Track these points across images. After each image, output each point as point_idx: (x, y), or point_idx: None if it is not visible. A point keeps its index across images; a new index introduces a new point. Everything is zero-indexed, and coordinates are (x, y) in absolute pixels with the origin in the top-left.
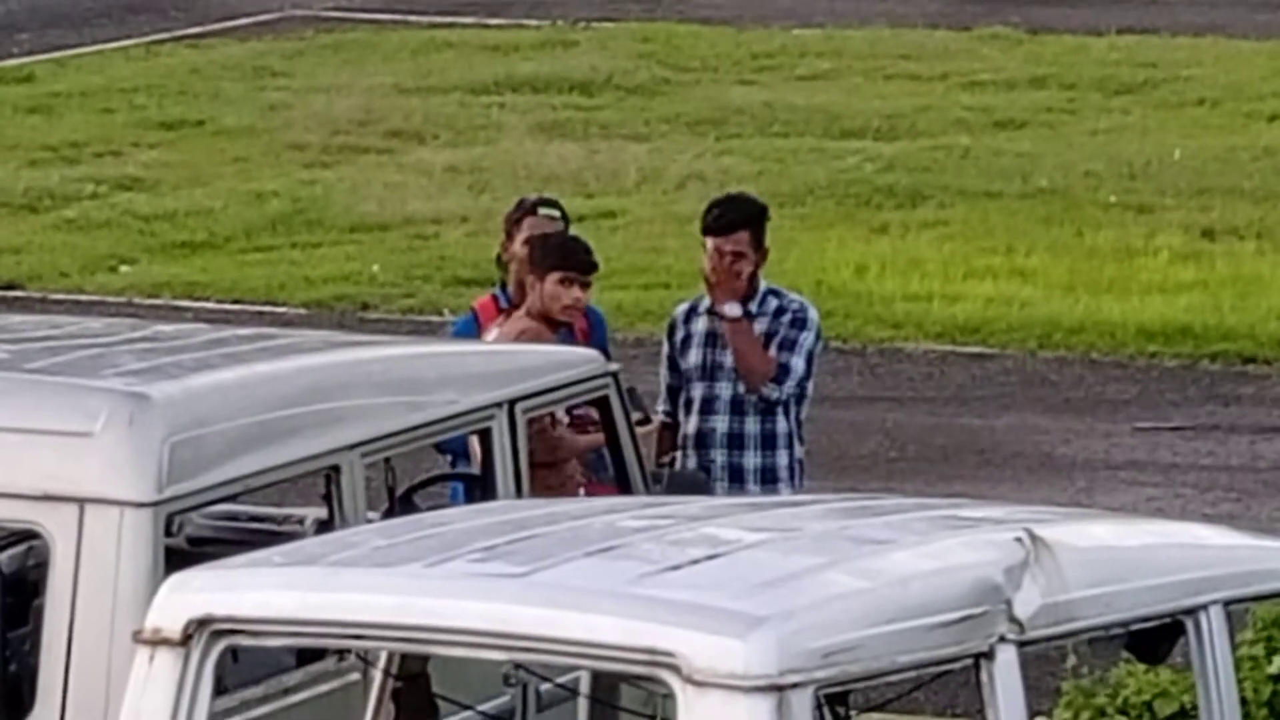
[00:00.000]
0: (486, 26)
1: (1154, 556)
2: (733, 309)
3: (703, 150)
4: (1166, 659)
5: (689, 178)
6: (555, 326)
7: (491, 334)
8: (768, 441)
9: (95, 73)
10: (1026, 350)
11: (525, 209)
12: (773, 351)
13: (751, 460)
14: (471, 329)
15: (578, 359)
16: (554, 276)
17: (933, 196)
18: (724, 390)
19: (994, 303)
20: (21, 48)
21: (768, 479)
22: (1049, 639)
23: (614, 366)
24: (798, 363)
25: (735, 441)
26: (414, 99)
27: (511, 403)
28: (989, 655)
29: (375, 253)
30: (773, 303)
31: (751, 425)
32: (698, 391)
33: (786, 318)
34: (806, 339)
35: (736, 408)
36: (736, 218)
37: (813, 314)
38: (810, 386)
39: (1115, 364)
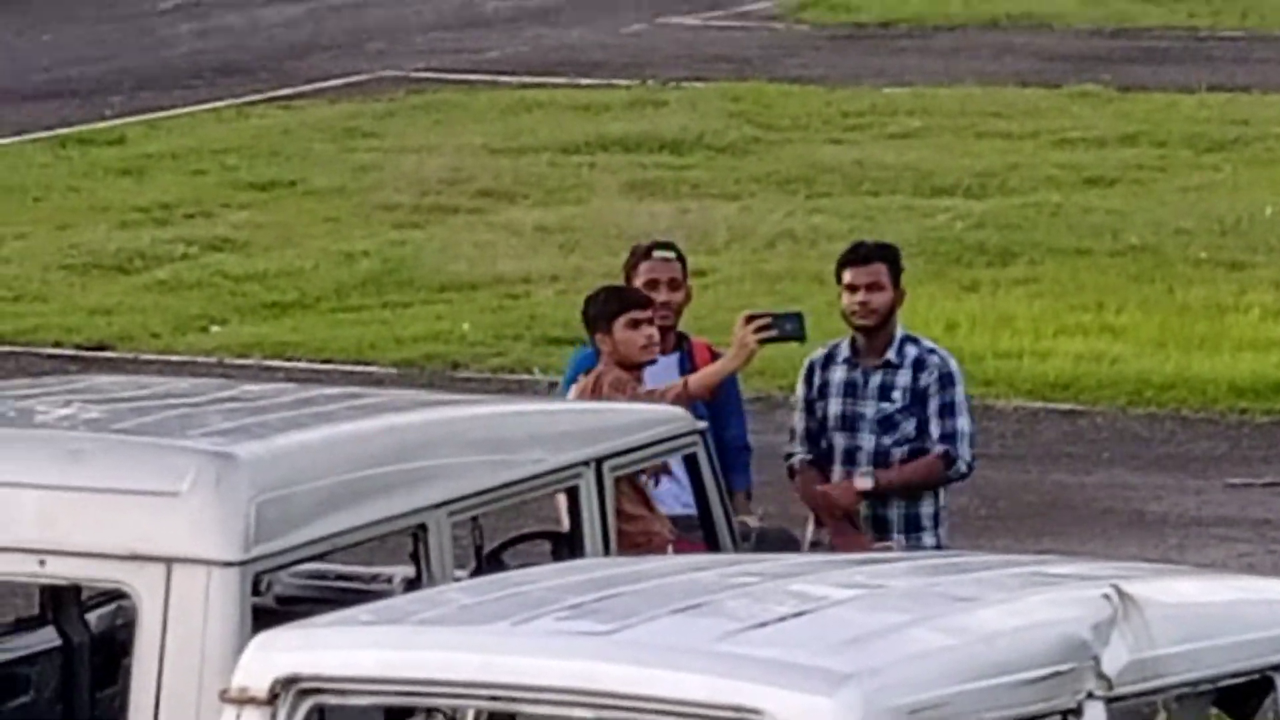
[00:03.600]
0: (577, 86)
1: (1242, 612)
2: (863, 481)
3: (793, 209)
4: (1256, 715)
5: (779, 236)
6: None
7: (572, 393)
8: (912, 490)
9: (186, 134)
10: (1117, 407)
11: (640, 254)
12: (932, 418)
13: (896, 511)
14: (591, 360)
15: (666, 416)
16: (620, 324)
17: (1023, 254)
18: (866, 442)
19: (1084, 359)
20: (114, 109)
21: (911, 527)
22: (1137, 695)
23: (702, 424)
24: (963, 424)
25: (878, 494)
26: (504, 159)
27: (599, 461)
28: (1077, 712)
29: (465, 312)
30: (911, 351)
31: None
32: (840, 442)
33: (933, 376)
34: (958, 394)
35: (880, 460)
36: (873, 250)
37: (954, 365)
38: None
39: (1206, 420)
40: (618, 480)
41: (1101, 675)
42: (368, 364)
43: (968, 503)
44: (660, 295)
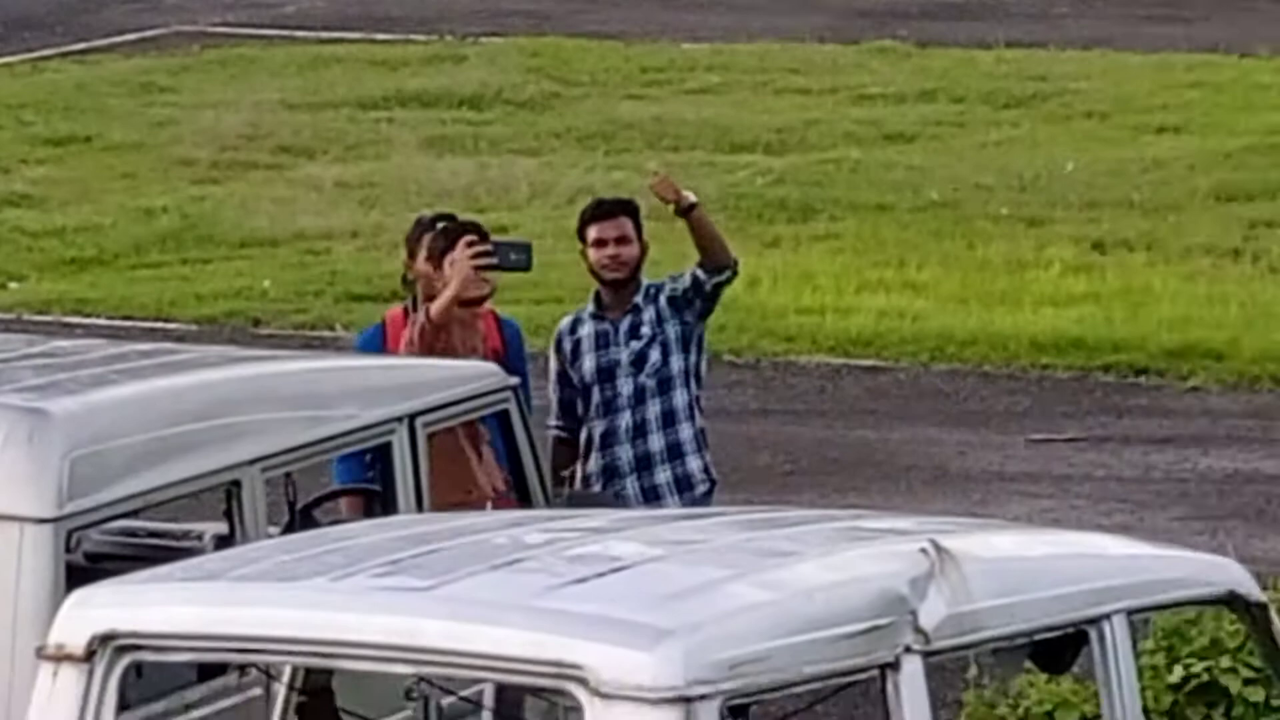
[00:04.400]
0: (374, 42)
1: (1057, 566)
2: (688, 194)
3: (593, 164)
4: (1070, 669)
5: (580, 192)
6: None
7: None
8: (669, 419)
9: None
10: (919, 363)
11: (424, 226)
12: (678, 277)
13: (657, 443)
14: (377, 341)
15: (479, 373)
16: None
17: (824, 210)
18: (624, 386)
19: (886, 316)
20: None
21: (674, 455)
22: (954, 649)
23: (514, 380)
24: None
25: (640, 430)
26: (302, 114)
27: (412, 417)
28: (895, 666)
29: (266, 268)
30: (653, 291)
31: (653, 409)
32: (597, 395)
33: (664, 287)
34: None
35: (638, 398)
36: (616, 205)
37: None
38: (705, 366)
39: (1008, 376)
40: (434, 435)
41: (919, 630)
42: (168, 321)
43: (771, 460)
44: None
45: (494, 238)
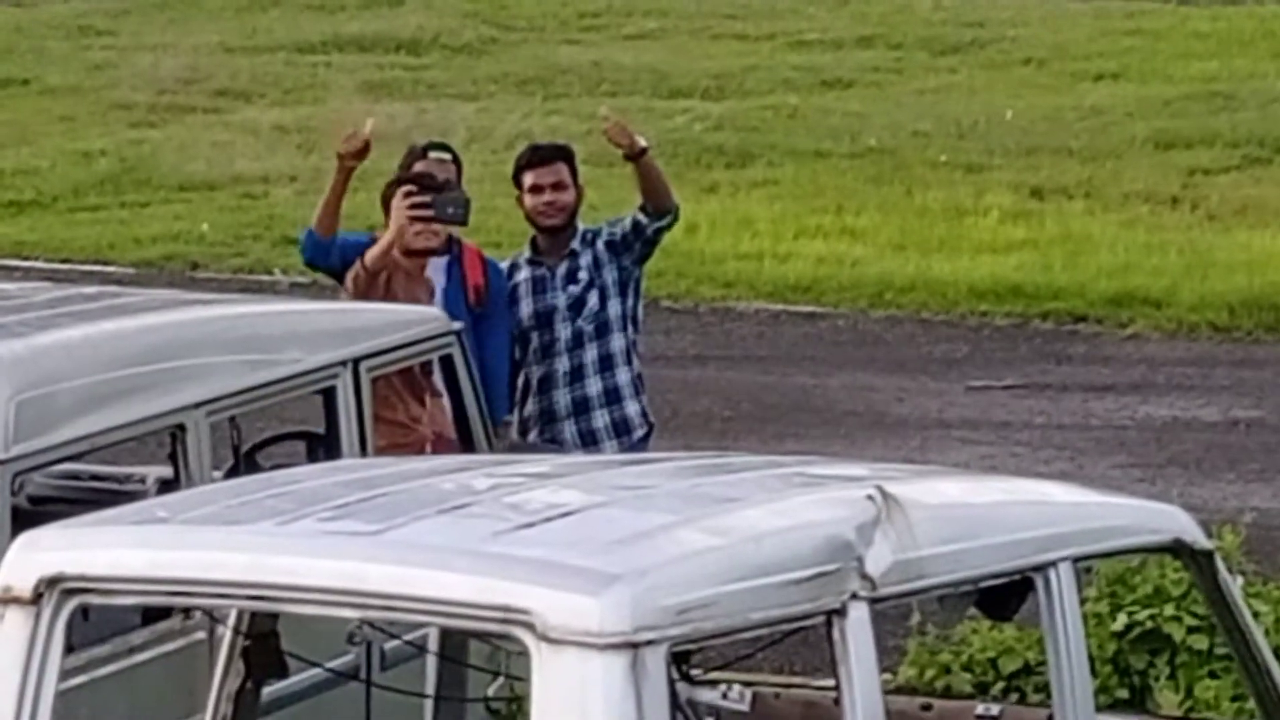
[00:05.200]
0: None
1: (1004, 513)
2: (640, 139)
3: (531, 110)
4: (1014, 616)
5: (517, 137)
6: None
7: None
8: (606, 364)
9: None
10: (858, 309)
11: (416, 154)
12: (618, 224)
13: (594, 387)
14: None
15: (422, 317)
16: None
17: (762, 156)
18: (562, 331)
19: (825, 262)
20: None
21: (611, 399)
22: (901, 596)
23: (458, 325)
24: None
25: (577, 375)
26: (240, 58)
27: (356, 361)
28: (841, 612)
29: (204, 212)
30: (590, 236)
31: (590, 354)
32: (535, 340)
33: (602, 231)
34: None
35: (576, 343)
36: (552, 151)
37: None
38: (641, 311)
39: (947, 323)
40: (378, 380)
41: (865, 576)
42: (106, 264)
43: (710, 405)
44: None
45: (434, 192)
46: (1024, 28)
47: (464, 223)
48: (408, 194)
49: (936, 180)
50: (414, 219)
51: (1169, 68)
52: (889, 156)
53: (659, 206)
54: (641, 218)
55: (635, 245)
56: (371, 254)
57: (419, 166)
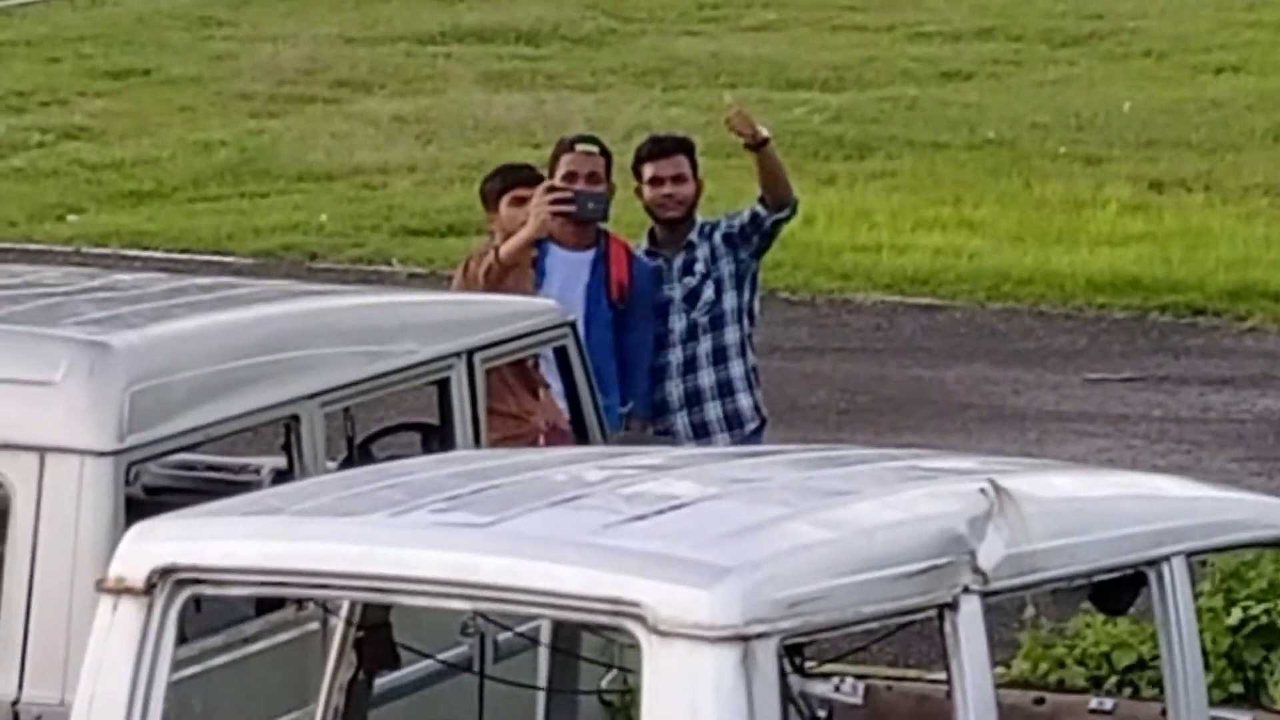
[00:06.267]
0: None
1: (1117, 507)
2: (762, 129)
3: (649, 101)
4: (1128, 610)
5: (636, 128)
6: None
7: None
8: (719, 356)
9: (40, 22)
10: (975, 301)
11: (564, 146)
12: (736, 216)
13: (707, 379)
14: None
15: (537, 309)
16: (505, 201)
17: (880, 148)
18: (676, 322)
19: (942, 254)
20: None
21: (724, 391)
22: (1013, 590)
23: (572, 316)
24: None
25: (690, 366)
26: (360, 49)
27: (470, 353)
28: (953, 606)
29: (323, 202)
30: (708, 229)
31: (704, 345)
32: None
33: (720, 224)
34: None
35: (690, 334)
36: (673, 143)
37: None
38: (758, 304)
39: (1064, 315)
40: (492, 371)
41: (977, 570)
42: (225, 254)
43: (827, 397)
44: (579, 187)
45: (574, 187)
46: (1144, 20)
47: (604, 218)
48: (549, 188)
49: (1055, 172)
50: (558, 214)
51: None
52: (1007, 148)
53: (778, 199)
54: (760, 210)
55: (753, 238)
56: (508, 247)
57: (566, 159)
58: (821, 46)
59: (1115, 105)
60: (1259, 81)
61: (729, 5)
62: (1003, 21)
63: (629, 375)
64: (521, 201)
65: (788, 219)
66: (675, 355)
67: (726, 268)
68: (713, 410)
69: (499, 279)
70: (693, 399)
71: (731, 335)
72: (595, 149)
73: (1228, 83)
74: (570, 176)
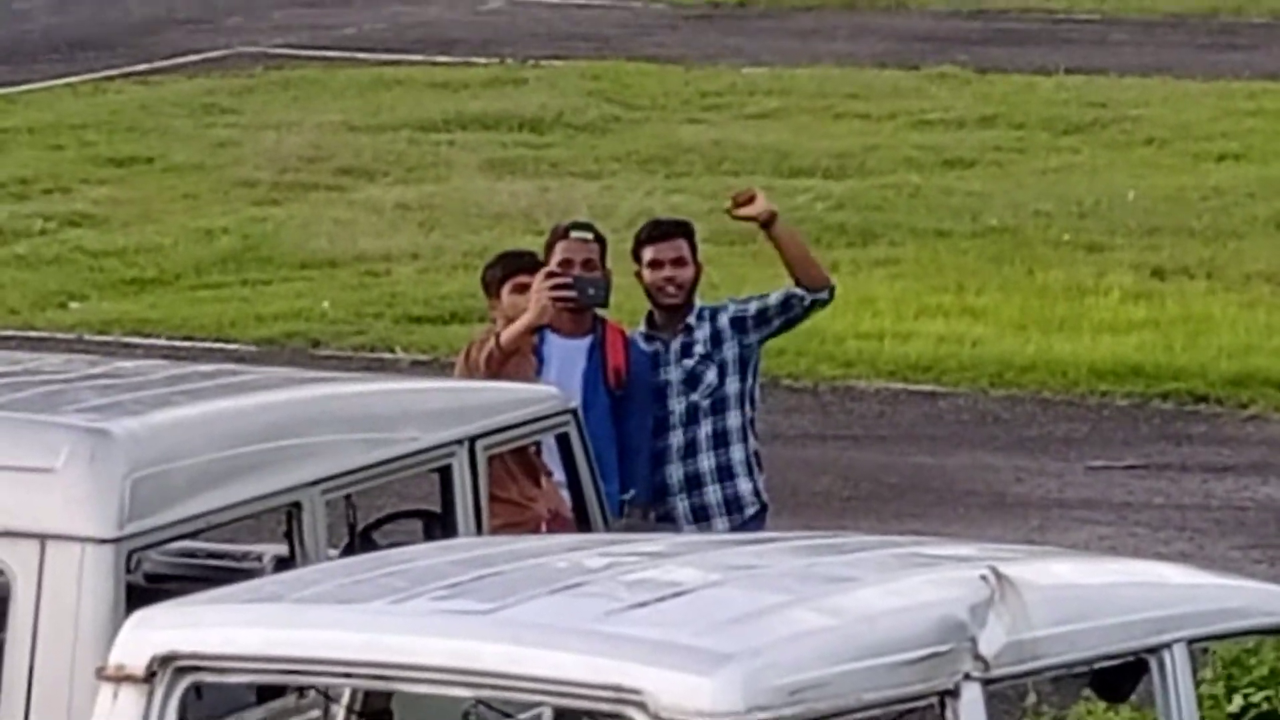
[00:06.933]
0: (435, 64)
1: (1118, 595)
2: (763, 205)
3: (653, 188)
4: (1129, 697)
5: (640, 215)
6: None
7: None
8: (720, 439)
9: (44, 109)
10: (978, 389)
11: (558, 233)
12: (764, 301)
13: (706, 463)
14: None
15: (539, 396)
16: (506, 288)
17: (883, 235)
18: (676, 405)
19: (946, 341)
20: None
21: (724, 475)
22: (1014, 677)
23: (574, 403)
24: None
25: (690, 450)
26: (364, 136)
27: (472, 440)
28: (954, 693)
29: (326, 290)
30: (705, 313)
31: (704, 429)
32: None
33: (728, 310)
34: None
35: (690, 417)
36: (673, 226)
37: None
38: (758, 389)
39: (1067, 403)
40: (494, 458)
41: (979, 657)
42: (228, 341)
43: (830, 484)
44: (576, 273)
45: (574, 273)
46: (1146, 108)
47: (604, 304)
48: (549, 274)
49: (1058, 260)
50: (556, 300)
51: None
52: (1010, 236)
53: (810, 281)
54: (797, 291)
55: (774, 321)
56: (509, 333)
57: (561, 246)
58: (824, 134)
59: (1118, 193)
60: (1261, 169)
61: (732, 93)
62: (1005, 109)
63: (629, 462)
64: (523, 288)
65: (824, 303)
66: (676, 439)
67: (730, 351)
68: (712, 494)
69: (500, 366)
70: (692, 483)
71: (733, 419)
72: (590, 235)
73: (1229, 170)
74: (566, 263)
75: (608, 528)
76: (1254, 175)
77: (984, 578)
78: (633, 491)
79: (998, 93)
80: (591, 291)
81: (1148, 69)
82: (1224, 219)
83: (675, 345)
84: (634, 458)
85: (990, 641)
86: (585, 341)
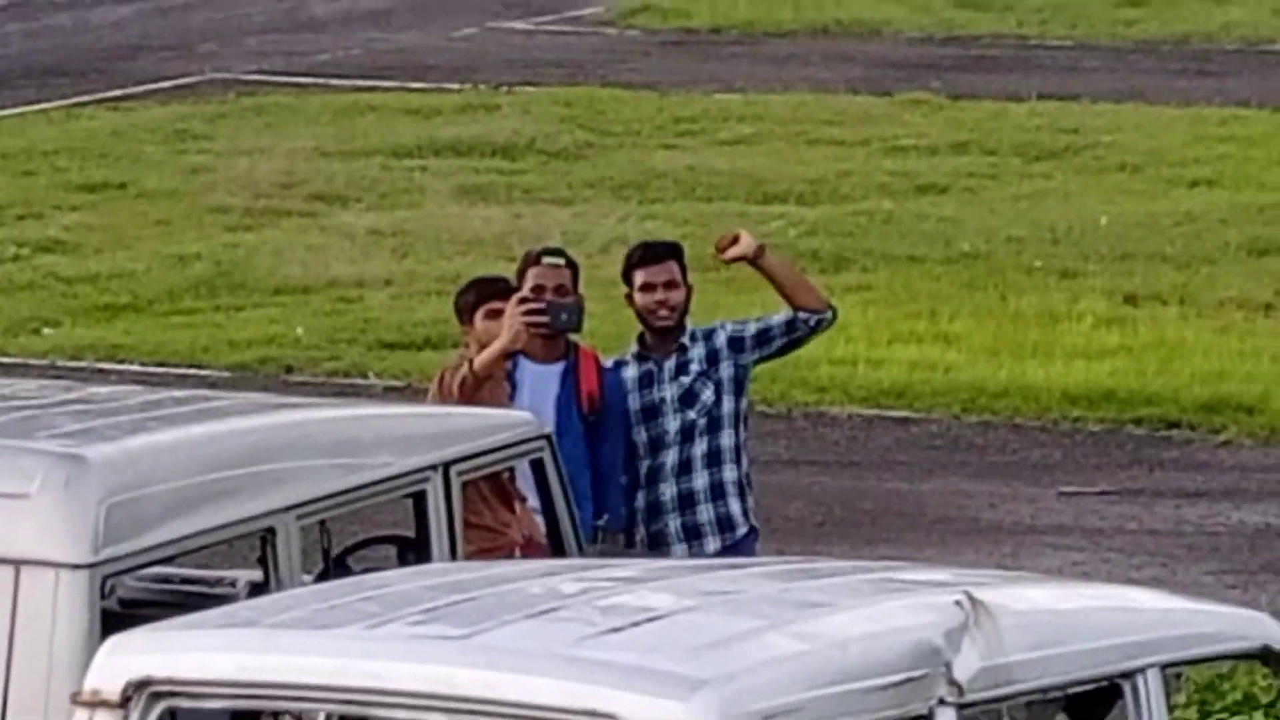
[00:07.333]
0: (408, 90)
1: (1092, 620)
2: (748, 242)
3: (626, 214)
4: None
5: (613, 241)
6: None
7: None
8: (714, 459)
9: (15, 135)
10: (951, 415)
11: (530, 259)
12: (764, 322)
13: (700, 481)
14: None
15: (513, 422)
16: (480, 314)
17: (856, 261)
18: (670, 424)
19: (918, 367)
20: None
21: (717, 494)
22: (988, 702)
23: (548, 429)
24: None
25: (685, 468)
26: (336, 162)
27: (446, 465)
28: (928, 718)
29: (299, 316)
30: (698, 333)
31: (699, 447)
32: (642, 435)
33: (725, 330)
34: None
35: (685, 436)
36: (664, 249)
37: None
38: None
39: (1040, 428)
40: (468, 484)
41: (953, 682)
42: (201, 367)
43: (803, 510)
44: (549, 298)
45: (546, 298)
46: (1119, 134)
47: (577, 329)
48: (522, 300)
49: (1030, 286)
50: (531, 324)
51: (1263, 175)
52: (983, 262)
53: (807, 307)
54: (800, 314)
55: (777, 341)
56: (482, 359)
57: (533, 273)
58: (798, 160)
59: (1090, 219)
60: (1233, 195)
61: (705, 119)
62: (978, 136)
63: (602, 487)
64: (496, 314)
65: (825, 327)
66: (670, 457)
67: (726, 371)
68: (705, 513)
69: (474, 391)
70: (686, 501)
71: (727, 439)
72: (561, 261)
73: (1202, 196)
74: (538, 289)
75: (582, 553)
76: (1226, 201)
77: (958, 603)
78: (606, 517)
79: (970, 119)
80: (564, 317)
81: (1120, 95)
82: (1196, 245)
83: (669, 364)
84: (607, 483)
85: (964, 667)
86: (558, 367)
